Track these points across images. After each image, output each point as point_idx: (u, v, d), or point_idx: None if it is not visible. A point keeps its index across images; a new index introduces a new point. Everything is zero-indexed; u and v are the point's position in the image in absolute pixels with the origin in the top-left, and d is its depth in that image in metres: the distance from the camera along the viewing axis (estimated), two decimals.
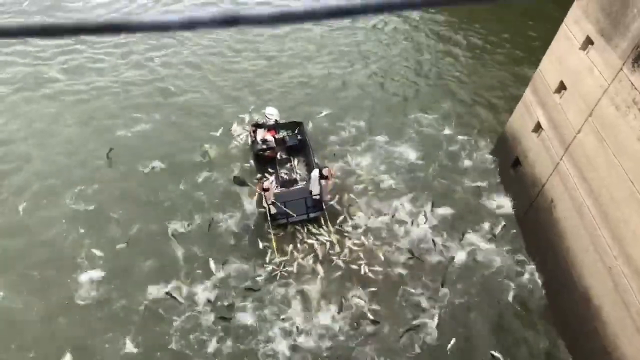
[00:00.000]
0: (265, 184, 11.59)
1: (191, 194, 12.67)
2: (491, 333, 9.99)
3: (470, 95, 15.83)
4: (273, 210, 11.69)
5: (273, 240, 11.33)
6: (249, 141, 13.87)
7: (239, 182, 12.42)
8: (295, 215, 11.51)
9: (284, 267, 10.96)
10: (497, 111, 15.08)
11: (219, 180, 13.00)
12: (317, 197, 11.74)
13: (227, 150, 13.92)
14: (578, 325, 9.46)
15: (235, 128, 14.49)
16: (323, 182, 11.82)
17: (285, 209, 11.39)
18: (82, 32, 1.14)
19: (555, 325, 10.01)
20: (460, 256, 11.21)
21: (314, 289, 10.62)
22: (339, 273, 10.95)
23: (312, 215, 11.78)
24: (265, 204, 11.74)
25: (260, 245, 11.41)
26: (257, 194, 12.14)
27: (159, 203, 12.47)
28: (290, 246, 11.40)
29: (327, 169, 11.94)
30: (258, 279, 10.83)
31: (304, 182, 12.51)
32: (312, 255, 11.24)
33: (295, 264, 11.04)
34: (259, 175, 12.94)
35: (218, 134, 14.33)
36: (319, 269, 10.95)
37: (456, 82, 16.42)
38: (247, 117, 14.92)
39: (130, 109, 15.30)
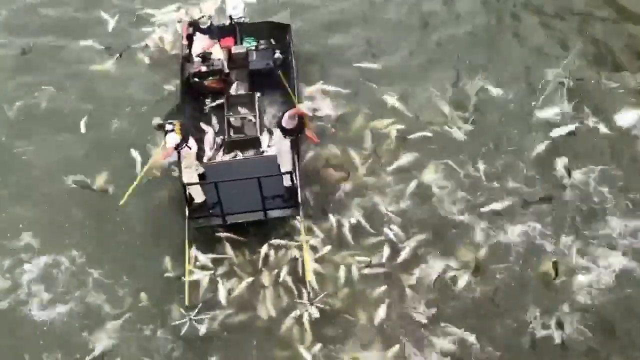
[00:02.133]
0: (183, 148, 6.29)
1: None
2: None
3: None
4: (198, 197, 6.61)
5: (187, 267, 6.30)
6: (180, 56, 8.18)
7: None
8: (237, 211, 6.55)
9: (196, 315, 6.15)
10: None
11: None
12: (288, 178, 6.69)
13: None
14: None
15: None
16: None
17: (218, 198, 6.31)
18: None
19: None
20: None
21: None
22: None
23: (274, 214, 6.69)
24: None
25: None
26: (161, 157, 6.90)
27: None
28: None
29: (290, 112, 6.67)
30: None
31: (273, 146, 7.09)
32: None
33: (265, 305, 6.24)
34: (170, 126, 6.54)
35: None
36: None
37: None
38: None
39: None
